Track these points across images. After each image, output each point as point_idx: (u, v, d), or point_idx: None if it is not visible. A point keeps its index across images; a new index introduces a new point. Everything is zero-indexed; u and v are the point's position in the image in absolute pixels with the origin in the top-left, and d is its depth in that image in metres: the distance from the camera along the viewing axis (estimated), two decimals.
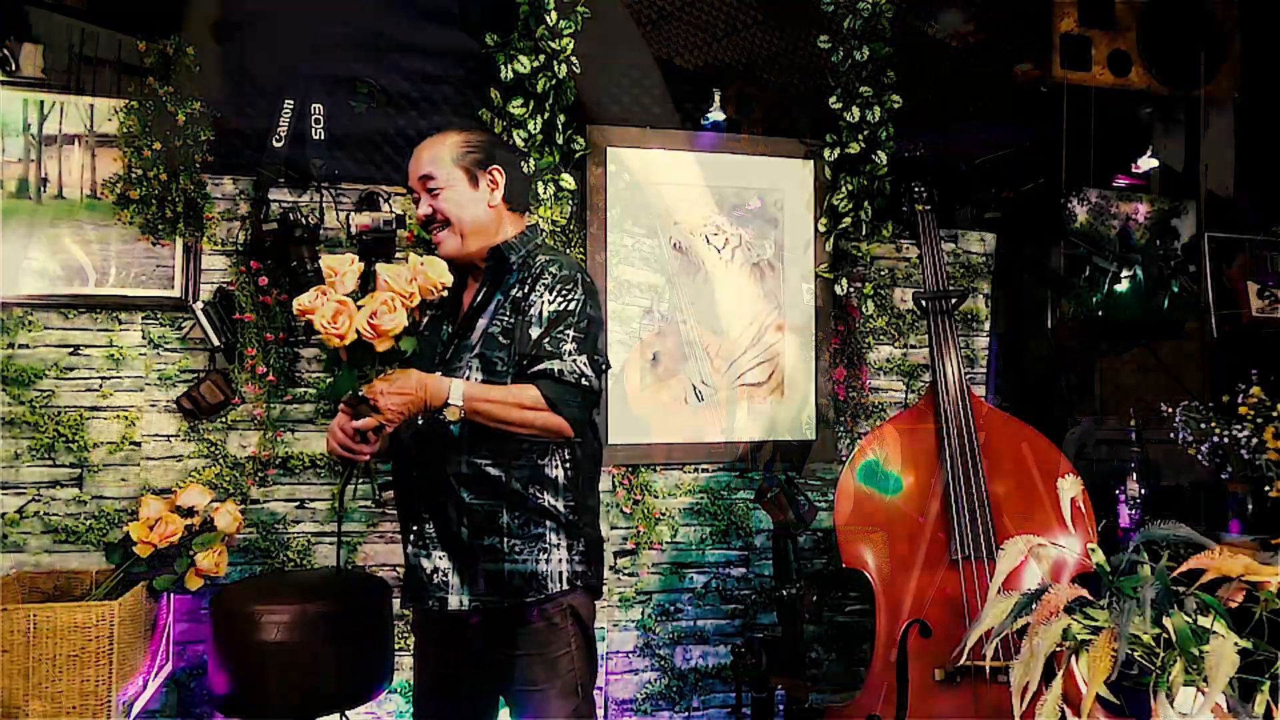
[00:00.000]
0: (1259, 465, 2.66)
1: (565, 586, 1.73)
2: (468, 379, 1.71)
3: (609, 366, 1.83)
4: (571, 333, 1.71)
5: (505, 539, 1.71)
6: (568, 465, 1.77)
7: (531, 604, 1.71)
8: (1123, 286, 3.23)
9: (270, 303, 2.50)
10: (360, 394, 1.58)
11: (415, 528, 1.76)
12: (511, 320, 1.74)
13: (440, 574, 1.72)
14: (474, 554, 1.71)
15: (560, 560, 1.74)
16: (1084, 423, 1.80)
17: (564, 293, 1.73)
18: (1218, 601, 1.21)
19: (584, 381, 1.69)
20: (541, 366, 1.67)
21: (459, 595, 1.71)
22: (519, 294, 1.75)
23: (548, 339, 1.69)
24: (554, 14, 2.60)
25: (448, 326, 1.83)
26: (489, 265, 1.80)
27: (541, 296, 1.72)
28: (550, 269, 1.76)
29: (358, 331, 1.53)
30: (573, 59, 2.63)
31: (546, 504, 1.73)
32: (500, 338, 1.73)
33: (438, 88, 2.70)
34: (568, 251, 2.77)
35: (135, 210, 2.44)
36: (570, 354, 1.69)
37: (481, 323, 1.75)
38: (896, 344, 3.03)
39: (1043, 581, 1.30)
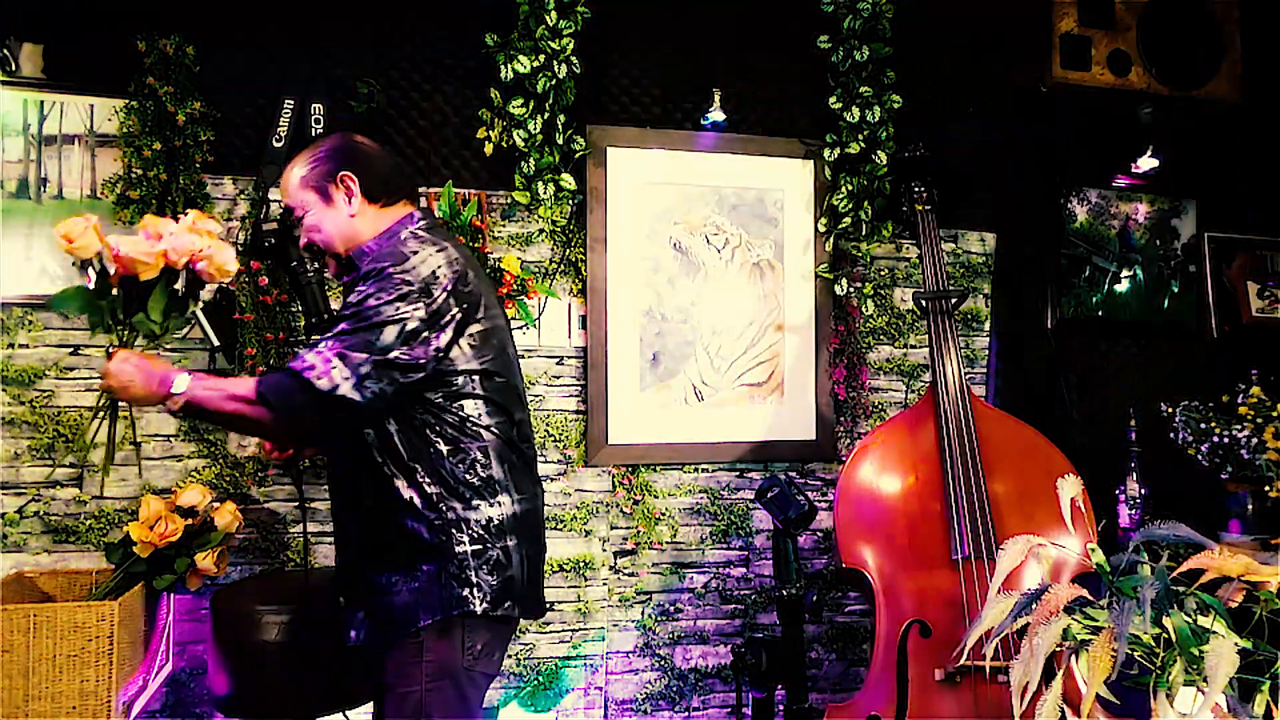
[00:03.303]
0: (1259, 465, 2.66)
1: (436, 616, 1.59)
2: None
3: (415, 364, 1.59)
4: (340, 325, 1.57)
5: (382, 572, 1.65)
6: (426, 479, 1.62)
7: (405, 639, 1.61)
8: (1123, 286, 3.23)
9: (270, 303, 2.50)
10: (107, 348, 1.64)
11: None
12: None
13: (347, 610, 1.73)
14: (361, 589, 1.69)
15: (435, 586, 1.60)
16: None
17: (357, 288, 1.60)
18: (1218, 601, 1.21)
19: (309, 377, 1.52)
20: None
21: (356, 630, 1.69)
22: None
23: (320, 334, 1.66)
24: (554, 14, 2.60)
25: None
26: (353, 275, 1.72)
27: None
28: (364, 265, 1.66)
29: (99, 255, 1.61)
30: (573, 59, 2.63)
31: (410, 529, 1.61)
32: None
33: (438, 87, 2.70)
34: (564, 251, 2.78)
35: (135, 210, 2.43)
36: (321, 349, 1.55)
37: None
38: (896, 344, 3.03)
39: (1043, 581, 1.30)
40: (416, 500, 1.62)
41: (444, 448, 1.63)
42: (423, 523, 1.61)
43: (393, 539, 1.63)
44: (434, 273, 1.62)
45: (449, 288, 1.63)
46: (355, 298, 1.59)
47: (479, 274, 1.74)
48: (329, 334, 1.58)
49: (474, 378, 1.66)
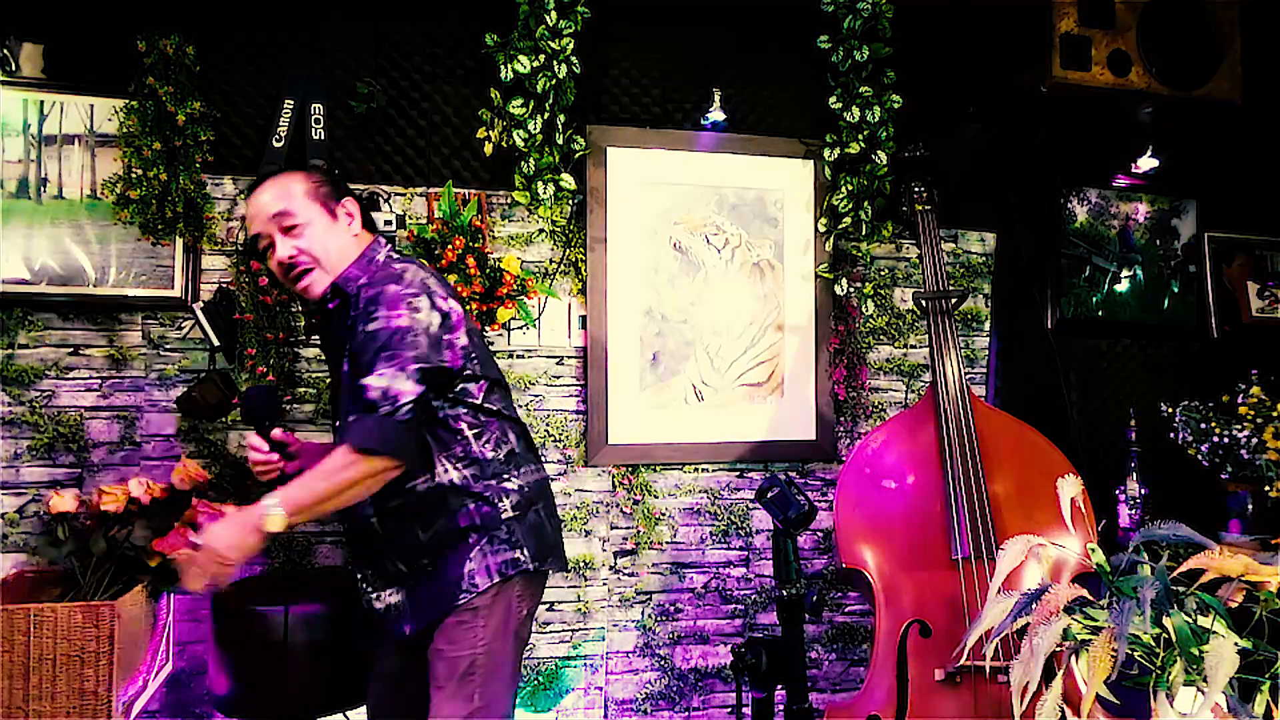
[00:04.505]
0: (1259, 465, 2.65)
1: (494, 579, 1.72)
2: (345, 421, 1.67)
3: (453, 364, 1.71)
4: (380, 352, 1.61)
5: (433, 557, 1.74)
6: (458, 464, 1.74)
7: (455, 605, 1.72)
8: (1123, 286, 3.23)
9: (270, 303, 2.50)
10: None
11: (359, 575, 1.83)
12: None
13: (395, 609, 1.78)
14: (412, 580, 1.76)
15: (483, 554, 1.73)
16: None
17: (372, 313, 1.63)
18: (1218, 601, 1.21)
19: (383, 403, 1.57)
20: (350, 418, 1.61)
21: (411, 623, 1.76)
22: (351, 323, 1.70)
23: (359, 371, 1.63)
24: (554, 14, 2.60)
25: (333, 378, 1.85)
26: (339, 302, 1.75)
27: (357, 328, 1.66)
28: (365, 293, 1.67)
29: None
30: (573, 59, 2.63)
31: (456, 508, 1.73)
32: (353, 373, 1.69)
33: (438, 87, 2.70)
34: (564, 251, 2.78)
35: (135, 210, 2.43)
36: (371, 381, 1.58)
37: (345, 358, 1.73)
38: (896, 344, 3.03)
39: (1043, 581, 1.30)
40: (459, 481, 1.74)
41: (469, 432, 1.76)
42: (470, 499, 1.73)
43: (445, 522, 1.73)
44: (424, 282, 1.71)
45: (440, 292, 1.73)
46: (376, 325, 1.63)
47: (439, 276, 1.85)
48: (373, 364, 1.60)
49: (474, 365, 1.78)
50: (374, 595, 1.80)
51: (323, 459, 1.59)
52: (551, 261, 2.78)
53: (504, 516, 1.75)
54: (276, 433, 1.81)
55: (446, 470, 1.73)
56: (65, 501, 2.20)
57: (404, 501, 1.72)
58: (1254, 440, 2.66)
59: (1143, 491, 2.77)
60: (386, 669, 1.90)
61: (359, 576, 1.83)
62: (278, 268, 1.75)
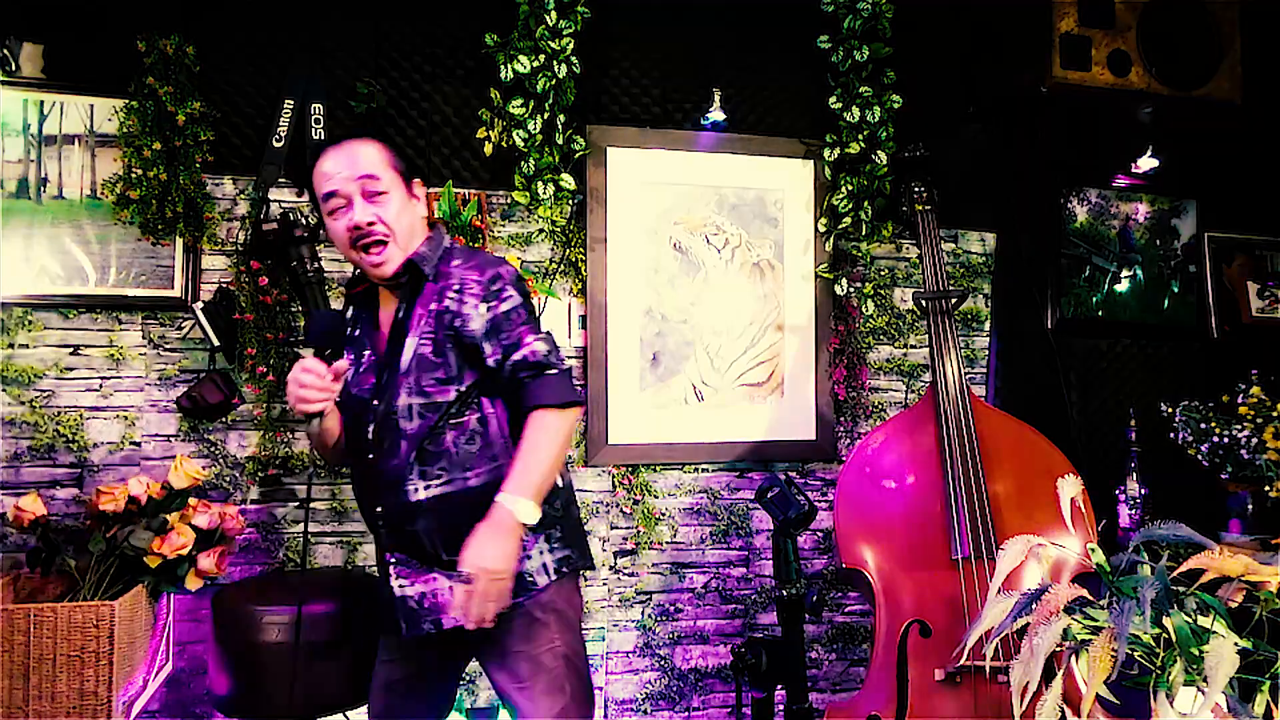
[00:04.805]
0: (1259, 465, 2.65)
1: (552, 578, 1.71)
2: (404, 403, 1.65)
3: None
4: (528, 329, 1.68)
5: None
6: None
7: (519, 604, 1.67)
8: (1123, 286, 3.23)
9: (270, 303, 2.50)
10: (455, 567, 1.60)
11: (394, 559, 1.71)
12: (440, 336, 1.67)
13: (430, 597, 1.68)
14: (454, 570, 1.65)
15: (541, 553, 1.71)
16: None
17: (500, 294, 1.68)
18: (1218, 601, 1.21)
19: (553, 360, 1.67)
20: (525, 378, 1.65)
21: (451, 613, 1.67)
22: (440, 305, 1.68)
23: (508, 346, 1.65)
24: (554, 14, 2.60)
25: (367, 350, 1.76)
26: (408, 281, 1.72)
27: (475, 309, 1.66)
28: (471, 275, 1.69)
29: None
30: (573, 59, 2.63)
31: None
32: (432, 356, 1.67)
33: (438, 87, 2.70)
34: (564, 251, 2.78)
35: (135, 210, 2.44)
36: (535, 345, 1.66)
37: (410, 341, 1.68)
38: (896, 344, 3.03)
39: (1043, 581, 1.30)
40: None
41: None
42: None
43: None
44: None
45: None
46: (513, 302, 1.69)
47: None
48: (521, 336, 1.67)
49: None
50: (407, 582, 1.70)
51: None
52: (551, 261, 2.78)
53: (555, 515, 1.73)
54: (340, 364, 1.67)
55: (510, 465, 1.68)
56: (35, 504, 2.20)
57: (461, 490, 1.67)
58: (1254, 440, 2.66)
59: (1143, 491, 2.77)
60: (390, 676, 1.81)
61: (391, 561, 1.71)
62: (347, 232, 1.67)
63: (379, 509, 1.70)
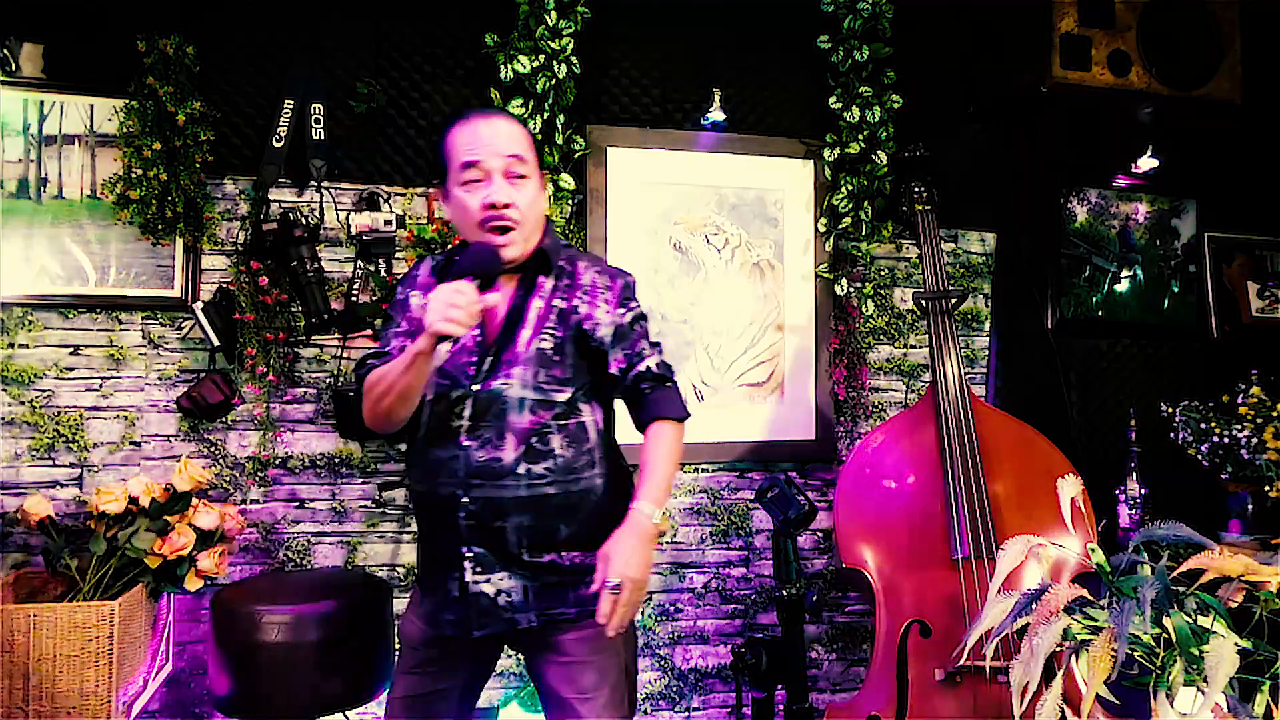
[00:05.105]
0: (1259, 465, 2.65)
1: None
2: (515, 395, 1.60)
3: None
4: (646, 340, 1.72)
5: (566, 551, 1.64)
6: (608, 466, 1.71)
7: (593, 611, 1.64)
8: (1123, 286, 3.23)
9: (270, 303, 2.50)
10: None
11: (471, 553, 1.61)
12: (563, 334, 1.64)
13: (505, 595, 1.62)
14: (537, 571, 1.63)
15: None
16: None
17: (628, 303, 1.71)
18: (1218, 601, 1.21)
19: (671, 373, 1.73)
20: (646, 390, 1.69)
21: (527, 614, 1.63)
22: (566, 304, 1.66)
23: (632, 356, 1.68)
24: (554, 14, 2.60)
25: (479, 334, 1.65)
26: (530, 270, 1.67)
27: (607, 315, 1.66)
28: (601, 280, 1.69)
29: None
30: (572, 59, 2.63)
31: (597, 509, 1.67)
32: (552, 354, 1.62)
33: (438, 87, 2.70)
34: None
35: (135, 210, 2.43)
36: (655, 358, 1.71)
37: (525, 334, 1.62)
38: (896, 344, 3.03)
39: (1043, 581, 1.30)
40: (604, 484, 1.71)
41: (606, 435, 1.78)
42: (615, 502, 1.65)
43: (593, 523, 1.65)
44: None
45: None
46: (637, 310, 1.73)
47: None
48: (644, 347, 1.71)
49: None
50: (483, 578, 1.61)
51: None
52: None
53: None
54: (490, 298, 1.53)
55: (602, 474, 1.69)
56: (41, 505, 2.21)
57: (562, 493, 1.63)
58: (1254, 440, 2.67)
59: (1143, 491, 2.77)
60: (413, 689, 1.72)
61: (469, 555, 1.61)
62: (480, 209, 1.58)
63: (466, 499, 1.60)
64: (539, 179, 1.68)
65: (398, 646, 2.54)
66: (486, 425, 1.60)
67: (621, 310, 1.68)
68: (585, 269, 1.71)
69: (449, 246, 1.78)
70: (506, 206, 1.58)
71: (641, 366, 1.68)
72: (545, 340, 1.63)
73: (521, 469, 1.60)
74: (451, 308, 1.45)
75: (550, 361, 1.63)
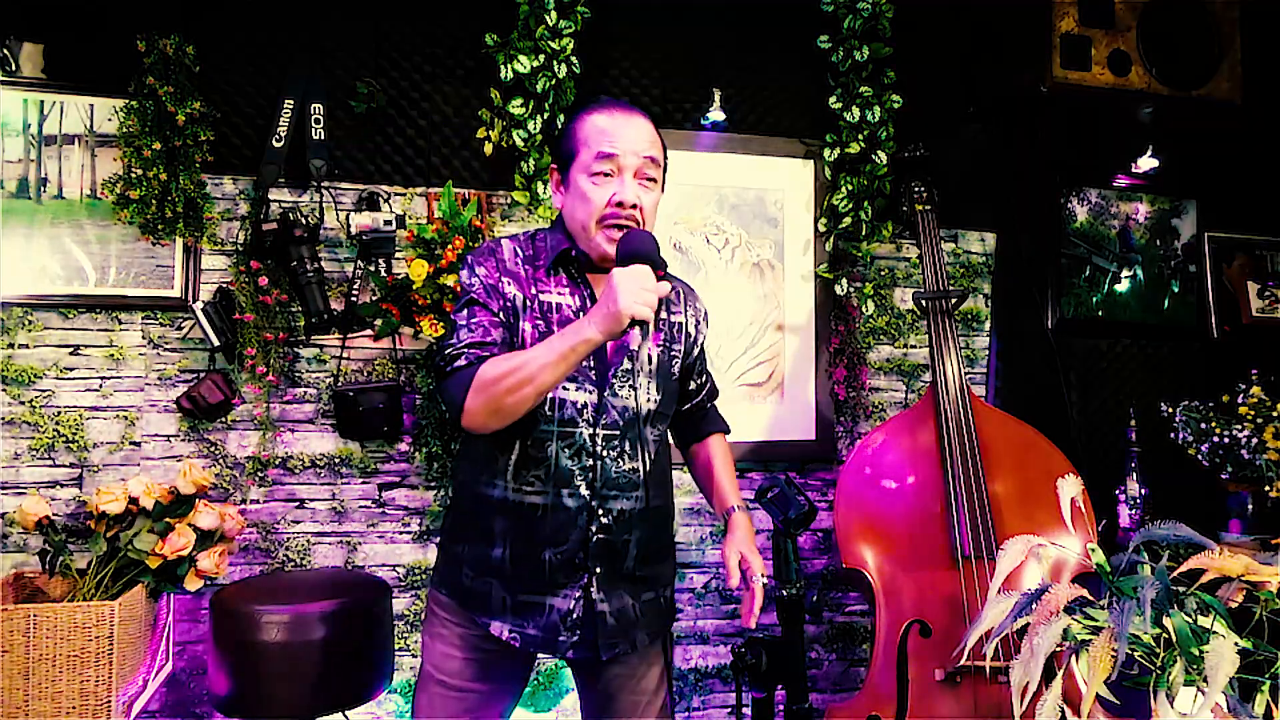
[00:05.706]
0: (1259, 465, 2.65)
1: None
2: (645, 408, 1.57)
3: None
4: (705, 358, 1.82)
5: (654, 566, 1.66)
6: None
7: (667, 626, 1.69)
8: (1123, 286, 3.23)
9: (270, 303, 2.50)
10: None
11: (598, 570, 1.56)
12: (672, 350, 1.66)
13: (625, 613, 1.60)
14: (639, 586, 1.62)
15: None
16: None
17: (706, 322, 1.78)
18: (1218, 601, 1.21)
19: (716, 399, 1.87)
20: (711, 408, 1.85)
21: (641, 632, 1.64)
22: (675, 318, 1.68)
23: (704, 375, 1.83)
24: (554, 14, 2.60)
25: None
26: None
27: (702, 335, 1.75)
28: (691, 298, 1.76)
29: None
30: (573, 59, 2.63)
31: (672, 528, 1.77)
32: (669, 366, 1.63)
33: (438, 87, 2.70)
34: None
35: (135, 210, 2.43)
36: (714, 377, 1.87)
37: (647, 344, 1.47)
38: (896, 344, 3.03)
39: (1043, 581, 1.30)
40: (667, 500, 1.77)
41: None
42: (673, 519, 1.79)
43: (669, 537, 1.75)
44: None
45: None
46: (707, 333, 1.81)
47: None
48: (706, 366, 1.86)
49: None
50: (601, 598, 1.56)
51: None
52: None
53: None
54: (663, 286, 1.41)
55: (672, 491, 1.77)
56: (39, 505, 2.21)
57: (663, 505, 1.68)
58: (1254, 440, 2.66)
59: (1143, 491, 2.77)
60: (453, 710, 1.60)
61: (597, 571, 1.55)
62: (607, 204, 1.49)
63: (600, 511, 1.53)
64: (662, 187, 1.60)
65: (397, 646, 2.54)
66: (622, 437, 1.55)
67: (705, 329, 1.76)
68: (679, 284, 1.75)
69: (525, 232, 1.66)
70: (634, 207, 1.50)
71: (709, 385, 1.83)
72: (662, 352, 1.62)
73: (653, 481, 1.61)
74: (645, 290, 1.33)
75: (667, 374, 1.63)
